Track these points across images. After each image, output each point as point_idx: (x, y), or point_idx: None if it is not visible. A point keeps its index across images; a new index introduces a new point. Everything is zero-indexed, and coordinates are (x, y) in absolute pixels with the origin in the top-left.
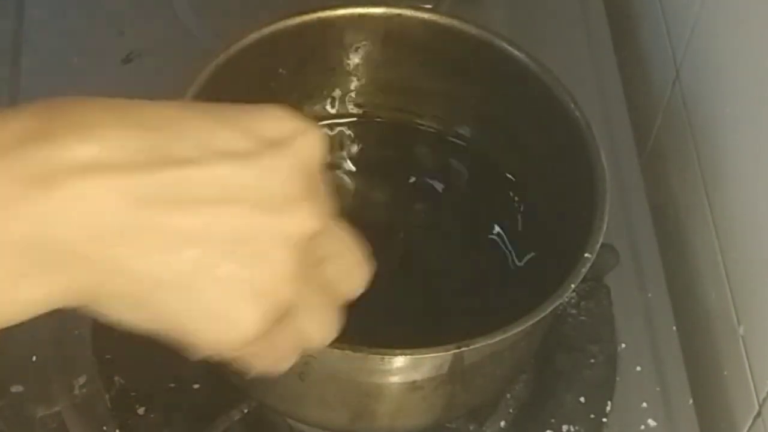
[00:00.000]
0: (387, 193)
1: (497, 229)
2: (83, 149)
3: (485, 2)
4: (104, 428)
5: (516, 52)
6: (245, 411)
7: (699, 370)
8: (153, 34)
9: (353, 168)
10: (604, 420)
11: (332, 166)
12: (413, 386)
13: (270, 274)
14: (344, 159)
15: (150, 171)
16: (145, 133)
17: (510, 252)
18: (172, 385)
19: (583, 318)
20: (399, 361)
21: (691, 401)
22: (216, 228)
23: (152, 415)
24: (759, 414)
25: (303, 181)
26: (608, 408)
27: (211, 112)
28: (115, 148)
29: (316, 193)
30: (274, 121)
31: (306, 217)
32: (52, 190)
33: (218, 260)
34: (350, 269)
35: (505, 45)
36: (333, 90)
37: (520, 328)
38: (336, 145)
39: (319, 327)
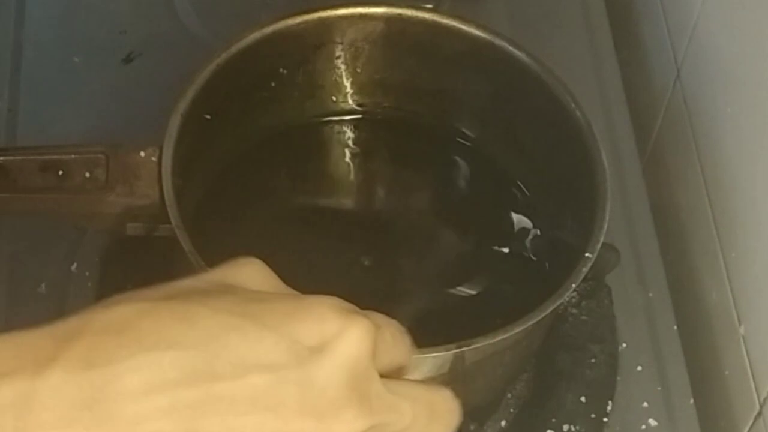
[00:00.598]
0: (388, 191)
1: (498, 228)
2: (127, 378)
3: (486, 2)
4: None
5: (517, 52)
6: None
7: (700, 369)
8: (154, 34)
9: (354, 167)
10: (605, 420)
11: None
12: None
13: None
14: (345, 157)
15: (186, 389)
16: (183, 353)
17: (510, 251)
18: None
19: (584, 317)
20: None
21: (692, 401)
22: None
23: None
24: (760, 413)
25: (348, 383)
26: (609, 407)
27: (253, 319)
28: (156, 372)
29: (364, 392)
30: (316, 324)
31: (351, 419)
32: (105, 416)
33: None
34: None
35: (506, 45)
36: (334, 89)
37: (521, 328)
38: (337, 143)
39: None
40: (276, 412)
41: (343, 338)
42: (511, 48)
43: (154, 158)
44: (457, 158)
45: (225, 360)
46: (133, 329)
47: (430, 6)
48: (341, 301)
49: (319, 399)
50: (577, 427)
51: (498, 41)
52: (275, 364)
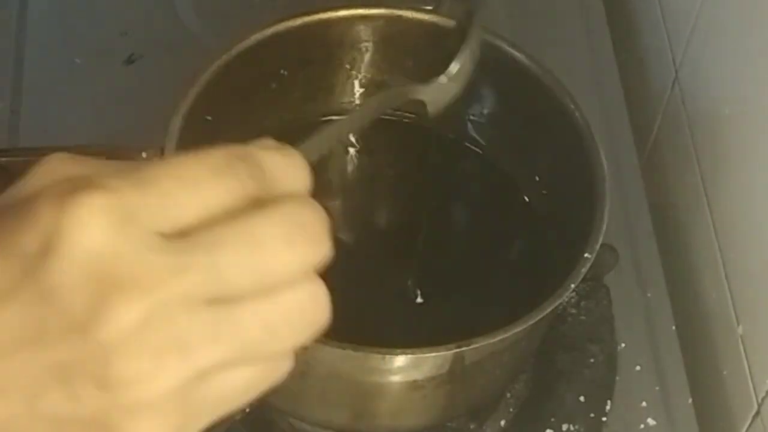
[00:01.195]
0: (388, 191)
1: (497, 228)
2: None
3: (486, 4)
4: None
5: (516, 54)
6: (246, 410)
7: (698, 369)
8: (155, 35)
9: (354, 168)
10: (604, 419)
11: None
12: (414, 385)
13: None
14: (345, 159)
15: None
16: None
17: (510, 251)
18: None
19: (583, 318)
20: (400, 360)
21: (690, 400)
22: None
23: None
24: (758, 413)
25: (95, 280)
26: (608, 407)
27: None
28: None
29: (129, 279)
30: (32, 225)
31: (120, 316)
32: None
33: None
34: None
35: (506, 46)
36: (334, 91)
37: (520, 328)
38: (338, 143)
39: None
40: (36, 344)
41: (62, 236)
42: (510, 50)
43: (155, 159)
44: (456, 159)
45: None
46: None
47: (430, 7)
48: (69, 169)
49: (66, 313)
50: (577, 427)
51: (497, 43)
52: (8, 292)
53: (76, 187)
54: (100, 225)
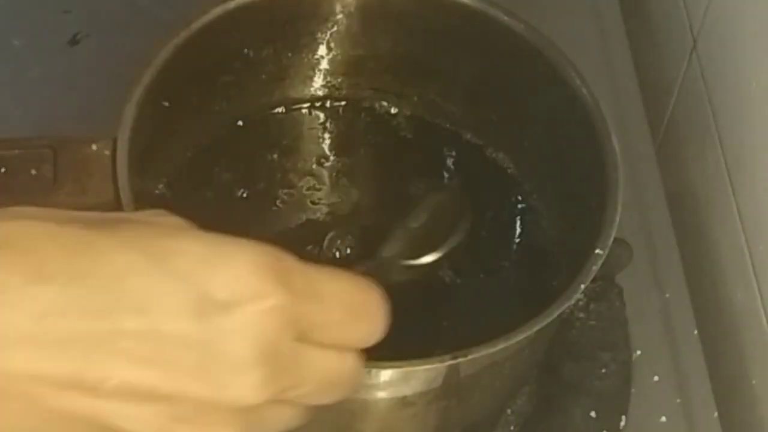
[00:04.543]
0: (367, 183)
1: (497, 224)
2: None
3: None
4: None
5: (514, 23)
6: None
7: (724, 379)
8: (103, 12)
9: (330, 157)
10: None
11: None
12: (403, 402)
13: None
14: (319, 147)
15: (82, 327)
16: (83, 291)
17: (512, 249)
18: None
19: (592, 322)
20: (387, 374)
21: (715, 414)
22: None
23: None
24: None
25: (253, 348)
26: (622, 423)
27: (162, 262)
28: (52, 305)
29: (272, 357)
30: (229, 281)
31: (252, 386)
32: None
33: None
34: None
35: (501, 15)
36: (306, 70)
37: (523, 336)
38: (310, 132)
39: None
40: (168, 372)
41: (254, 305)
42: (506, 18)
43: (107, 152)
44: (446, 146)
45: (124, 306)
46: (35, 252)
47: None
48: (266, 253)
49: (218, 363)
50: None
51: (492, 11)
52: (176, 317)
53: (277, 276)
54: (276, 319)
